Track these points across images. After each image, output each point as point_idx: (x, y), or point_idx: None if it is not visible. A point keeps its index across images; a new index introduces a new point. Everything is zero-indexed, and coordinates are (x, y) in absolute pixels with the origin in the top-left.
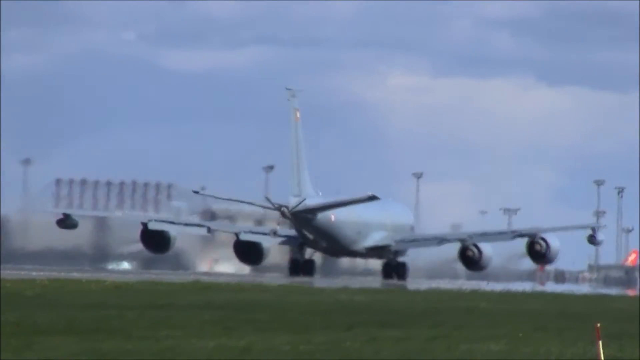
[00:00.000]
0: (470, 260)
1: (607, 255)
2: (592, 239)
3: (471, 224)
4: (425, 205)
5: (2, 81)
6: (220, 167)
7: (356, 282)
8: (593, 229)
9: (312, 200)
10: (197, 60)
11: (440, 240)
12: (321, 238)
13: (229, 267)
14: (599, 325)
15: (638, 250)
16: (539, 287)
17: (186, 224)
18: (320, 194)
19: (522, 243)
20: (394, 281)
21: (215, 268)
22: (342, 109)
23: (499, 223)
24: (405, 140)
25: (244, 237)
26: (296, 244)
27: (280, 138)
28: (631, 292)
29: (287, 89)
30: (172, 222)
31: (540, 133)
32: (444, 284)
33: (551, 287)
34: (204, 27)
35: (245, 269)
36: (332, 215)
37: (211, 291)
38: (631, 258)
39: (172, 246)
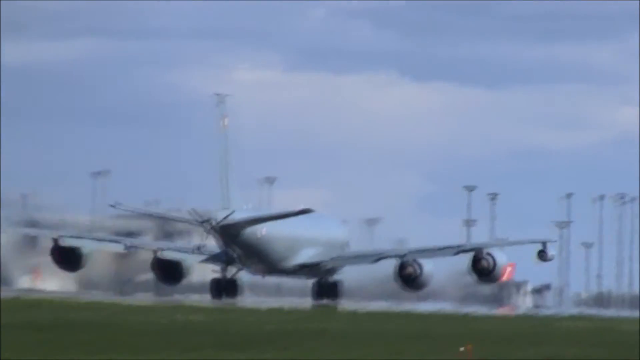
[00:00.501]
0: (409, 278)
1: None
2: (542, 255)
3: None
4: None
5: None
6: (46, 171)
7: (257, 302)
8: (543, 244)
9: (241, 213)
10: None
11: (378, 257)
12: (249, 254)
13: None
14: (462, 349)
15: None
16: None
17: (100, 240)
18: (250, 206)
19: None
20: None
21: (37, 282)
22: (181, 107)
23: (360, 234)
24: (253, 142)
25: (165, 254)
26: (221, 261)
27: (116, 139)
28: (502, 311)
29: (216, 94)
30: (87, 238)
31: (405, 133)
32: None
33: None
34: (25, 16)
35: (70, 284)
36: (263, 229)
37: (36, 309)
38: (506, 272)
39: (86, 263)
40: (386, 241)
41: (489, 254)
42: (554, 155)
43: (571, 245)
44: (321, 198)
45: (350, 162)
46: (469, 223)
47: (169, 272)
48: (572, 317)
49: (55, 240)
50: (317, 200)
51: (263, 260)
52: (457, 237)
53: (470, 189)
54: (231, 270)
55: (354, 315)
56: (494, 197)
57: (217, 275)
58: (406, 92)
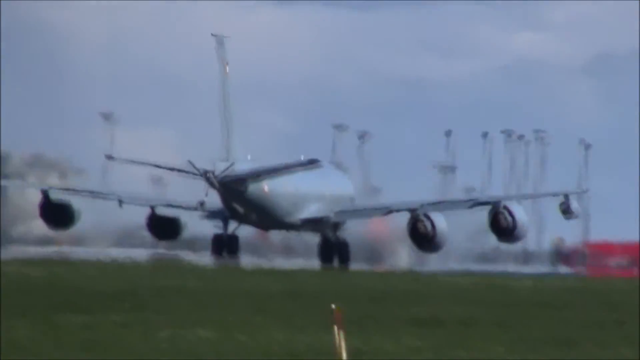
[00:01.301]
0: (422, 237)
1: None
2: (566, 209)
3: (178, 180)
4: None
5: None
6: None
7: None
8: (566, 196)
9: (243, 165)
10: None
11: (387, 210)
12: (252, 210)
13: None
14: (336, 307)
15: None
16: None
17: (94, 195)
18: (249, 157)
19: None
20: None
21: None
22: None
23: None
24: (92, 76)
25: (162, 211)
26: (221, 217)
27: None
28: (381, 267)
29: (213, 34)
30: (78, 192)
31: (265, 65)
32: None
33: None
34: None
35: None
36: (265, 186)
37: None
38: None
39: (77, 221)
40: None
41: (506, 209)
42: (435, 87)
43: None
44: (167, 139)
45: (203, 99)
46: (339, 165)
47: (165, 228)
48: (456, 274)
49: (45, 194)
50: (162, 142)
51: (266, 215)
52: None
53: (340, 128)
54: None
55: (212, 272)
56: (362, 136)
57: (219, 230)
58: (266, 15)
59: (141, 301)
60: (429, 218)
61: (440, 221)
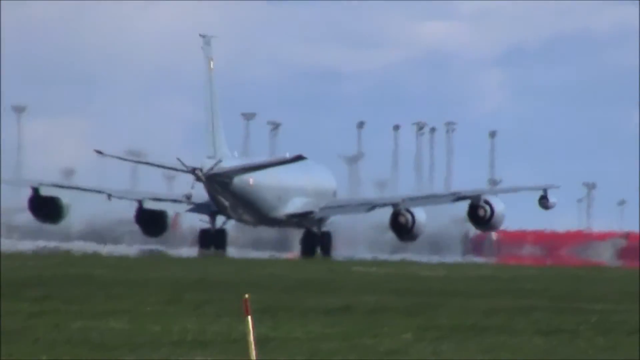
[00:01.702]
0: (403, 228)
1: None
2: (543, 202)
3: (90, 171)
4: (31, 148)
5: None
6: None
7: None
8: (544, 190)
9: (230, 162)
10: None
11: (370, 205)
12: (238, 204)
13: None
14: (247, 296)
15: None
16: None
17: (83, 189)
18: (236, 154)
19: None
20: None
21: None
22: None
23: (122, 168)
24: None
25: (150, 204)
26: (207, 211)
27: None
28: (290, 255)
29: (201, 35)
30: (67, 187)
31: (171, 54)
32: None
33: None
34: None
35: None
36: (251, 179)
37: None
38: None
39: (66, 215)
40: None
41: (486, 202)
42: (346, 78)
43: (363, 184)
44: (78, 128)
45: (110, 88)
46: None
47: (153, 222)
48: (368, 262)
49: (35, 190)
50: (72, 131)
51: (252, 210)
52: None
53: (248, 116)
54: (220, 220)
55: (118, 260)
56: (275, 127)
57: (207, 225)
58: (169, 7)
59: (53, 290)
60: (409, 211)
61: (420, 214)
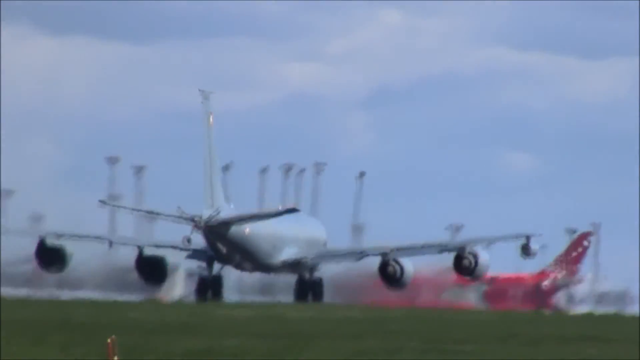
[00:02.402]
0: (391, 277)
1: None
2: (525, 249)
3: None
4: None
5: None
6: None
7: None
8: (527, 238)
9: (227, 212)
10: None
11: (360, 254)
12: (235, 252)
13: None
14: (111, 339)
15: None
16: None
17: (84, 238)
18: (232, 206)
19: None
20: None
21: None
22: None
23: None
24: None
25: (149, 251)
26: (205, 258)
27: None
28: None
29: (200, 90)
30: (71, 236)
31: (43, 96)
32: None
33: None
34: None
35: None
36: (247, 228)
37: None
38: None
39: (69, 263)
40: (21, 216)
41: (471, 253)
42: (215, 119)
43: None
44: None
45: None
46: (114, 198)
47: (152, 270)
48: (232, 305)
49: (41, 240)
50: None
51: (248, 257)
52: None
53: (112, 160)
54: (216, 267)
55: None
56: (139, 170)
57: (204, 272)
58: (42, 47)
59: None
60: (397, 261)
61: (408, 264)
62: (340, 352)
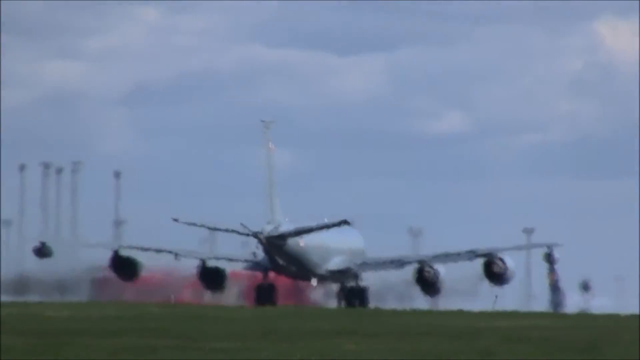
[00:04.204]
0: (427, 282)
1: None
2: (549, 257)
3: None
4: None
5: None
6: None
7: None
8: (549, 247)
9: (286, 226)
10: None
11: (401, 262)
12: (291, 262)
13: None
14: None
15: None
16: None
17: (156, 251)
18: (287, 220)
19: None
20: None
21: None
22: None
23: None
24: None
25: (211, 262)
26: (261, 268)
27: None
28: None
29: (262, 120)
30: (143, 249)
31: None
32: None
33: None
34: None
35: None
36: (301, 241)
37: None
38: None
39: (140, 273)
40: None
41: (499, 259)
42: None
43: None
44: None
45: None
46: None
47: (212, 279)
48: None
49: (115, 252)
50: None
51: (302, 267)
52: None
53: None
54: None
55: None
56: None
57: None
58: None
59: None
60: (432, 267)
61: (442, 270)
62: (97, 351)
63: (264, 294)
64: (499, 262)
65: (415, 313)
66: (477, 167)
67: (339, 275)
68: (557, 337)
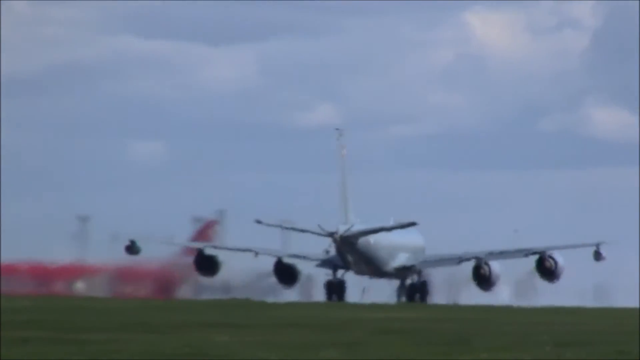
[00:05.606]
0: (482, 278)
1: None
2: (597, 255)
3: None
4: None
5: None
6: None
7: None
8: (597, 245)
9: (358, 226)
10: None
11: (460, 259)
12: (361, 260)
13: None
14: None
15: None
16: None
17: (237, 250)
18: (359, 220)
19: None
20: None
21: None
22: None
23: None
24: None
25: (286, 260)
26: (331, 266)
27: None
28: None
29: (336, 129)
30: (225, 248)
31: None
32: None
33: None
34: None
35: None
36: (371, 240)
37: None
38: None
39: (220, 270)
40: None
41: (550, 256)
42: None
43: None
44: None
45: None
46: None
47: (286, 275)
48: None
49: (200, 250)
50: None
51: (371, 264)
52: None
53: None
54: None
55: None
56: None
57: (330, 277)
58: None
59: None
60: (487, 264)
61: (496, 266)
62: None
63: (334, 290)
64: (550, 260)
65: (289, 305)
66: (348, 159)
67: (404, 271)
68: (426, 328)
